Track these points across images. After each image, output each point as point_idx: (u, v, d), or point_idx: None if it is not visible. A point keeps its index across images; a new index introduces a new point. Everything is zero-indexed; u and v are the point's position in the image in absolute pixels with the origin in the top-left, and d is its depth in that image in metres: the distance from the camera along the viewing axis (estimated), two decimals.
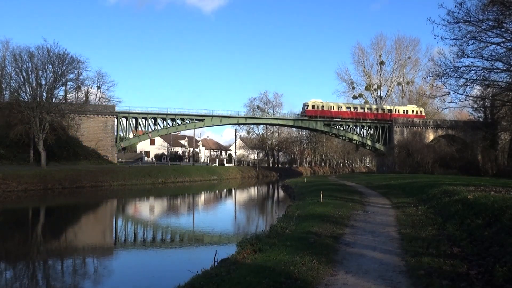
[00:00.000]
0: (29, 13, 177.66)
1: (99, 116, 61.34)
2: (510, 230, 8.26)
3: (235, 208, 32.63)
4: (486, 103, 42.84)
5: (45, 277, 12.25)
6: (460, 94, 23.86)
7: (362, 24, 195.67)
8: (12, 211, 27.53)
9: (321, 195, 20.12)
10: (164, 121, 66.43)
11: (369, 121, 74.34)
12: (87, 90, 67.68)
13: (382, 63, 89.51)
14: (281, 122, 75.90)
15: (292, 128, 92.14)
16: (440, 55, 24.39)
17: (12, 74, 49.55)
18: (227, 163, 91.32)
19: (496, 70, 22.10)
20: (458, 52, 21.21)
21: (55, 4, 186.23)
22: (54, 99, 46.71)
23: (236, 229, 21.49)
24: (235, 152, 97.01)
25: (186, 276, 8.63)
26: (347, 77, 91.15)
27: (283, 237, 10.98)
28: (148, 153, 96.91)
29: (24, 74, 44.86)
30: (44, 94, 45.28)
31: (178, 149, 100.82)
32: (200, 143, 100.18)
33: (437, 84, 32.12)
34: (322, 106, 72.49)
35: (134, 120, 65.59)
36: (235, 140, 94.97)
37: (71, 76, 52.12)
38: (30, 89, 45.20)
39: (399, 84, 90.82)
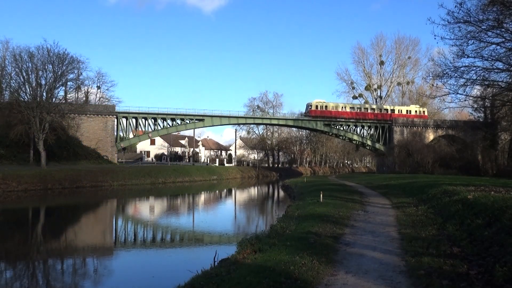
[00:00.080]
0: (29, 13, 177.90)
1: (99, 116, 61.35)
2: (510, 230, 8.26)
3: (235, 208, 32.63)
4: (486, 103, 42.85)
5: (45, 277, 12.25)
6: (460, 94, 23.91)
7: (362, 24, 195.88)
8: (12, 211, 27.53)
9: (321, 195, 20.13)
10: (164, 121, 66.45)
11: (369, 121, 74.39)
12: (87, 90, 67.75)
13: (382, 63, 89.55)
14: (281, 122, 75.92)
15: (292, 128, 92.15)
16: (440, 55, 24.47)
17: (12, 74, 49.58)
18: (227, 163, 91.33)
19: (496, 70, 22.13)
20: (458, 52, 21.26)
21: (55, 4, 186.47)
22: (54, 99, 46.71)
23: (236, 229, 21.49)
24: (235, 152, 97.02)
25: (186, 276, 8.63)
26: (347, 77, 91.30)
27: (283, 237, 10.98)
28: (148, 153, 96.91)
29: (24, 74, 44.86)
30: (44, 94, 45.28)
31: (178, 149, 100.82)
32: (200, 143, 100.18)
33: (437, 84, 32.17)
34: (326, 106, 72.62)
35: (134, 120, 65.61)
36: (235, 140, 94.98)
37: (71, 76, 52.18)
38: (30, 89, 45.21)
39: (399, 84, 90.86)
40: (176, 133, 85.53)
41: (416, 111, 76.56)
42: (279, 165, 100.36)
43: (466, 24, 19.88)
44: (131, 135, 68.16)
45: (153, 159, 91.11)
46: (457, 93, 23.76)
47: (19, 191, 34.37)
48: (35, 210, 28.23)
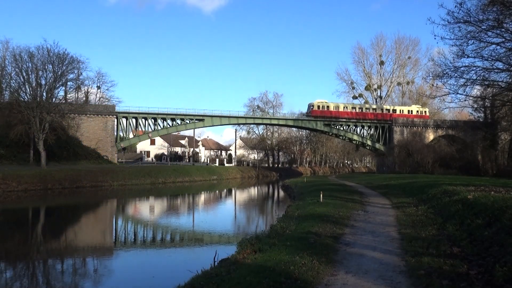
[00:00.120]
0: (29, 13, 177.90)
1: (99, 116, 61.35)
2: (510, 230, 8.26)
3: (235, 208, 32.63)
4: (486, 103, 42.85)
5: (45, 277, 12.25)
6: (460, 94, 23.91)
7: (362, 24, 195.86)
8: (12, 211, 27.53)
9: (321, 195, 20.12)
10: (164, 121, 66.45)
11: (369, 121, 74.43)
12: (87, 90, 67.75)
13: (382, 63, 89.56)
14: (281, 122, 75.93)
15: (292, 128, 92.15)
16: (440, 55, 24.47)
17: (12, 74, 49.60)
18: (227, 163, 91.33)
19: (496, 70, 22.13)
20: (458, 52, 21.27)
21: (55, 4, 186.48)
22: (54, 99, 46.71)
23: (236, 229, 21.49)
24: (235, 152, 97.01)
25: (186, 276, 8.63)
26: (347, 77, 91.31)
27: (283, 237, 10.97)
28: (148, 153, 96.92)
29: (24, 74, 44.86)
30: (44, 94, 45.28)
31: (178, 149, 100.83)
32: (200, 143, 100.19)
33: (437, 84, 32.16)
34: (327, 107, 72.72)
35: (134, 120, 65.61)
36: (235, 140, 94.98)
37: (71, 76, 52.18)
38: (30, 89, 45.21)
39: (399, 84, 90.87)
40: (176, 133, 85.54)
41: (417, 111, 76.63)
42: (279, 165, 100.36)
43: (466, 24, 19.89)
44: (131, 135, 68.16)
45: (153, 159, 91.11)
46: (457, 93, 23.78)
47: (19, 191, 34.37)
48: (35, 210, 28.23)
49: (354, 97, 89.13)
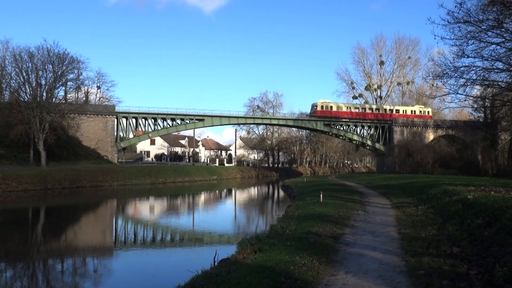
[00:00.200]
0: (29, 13, 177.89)
1: (99, 116, 61.35)
2: (510, 230, 8.26)
3: (235, 208, 32.64)
4: (486, 103, 42.80)
5: (45, 277, 12.25)
6: (460, 94, 23.87)
7: (362, 24, 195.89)
8: (12, 211, 27.53)
9: (321, 195, 20.12)
10: (164, 121, 66.45)
11: (369, 121, 74.45)
12: (87, 90, 67.81)
13: (382, 63, 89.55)
14: (281, 122, 75.93)
15: (292, 128, 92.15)
16: (440, 55, 24.45)
17: (12, 74, 49.59)
18: (227, 163, 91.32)
19: (496, 70, 22.10)
20: (458, 52, 21.24)
21: (55, 4, 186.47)
22: (54, 99, 46.71)
23: (236, 229, 21.49)
24: (235, 152, 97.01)
25: (186, 276, 8.63)
26: (347, 77, 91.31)
27: (283, 237, 10.98)
28: (148, 153, 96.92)
29: (24, 74, 44.86)
30: (44, 94, 45.28)
31: (178, 149, 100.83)
32: (200, 143, 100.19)
33: (437, 84, 32.12)
34: (331, 107, 72.84)
35: (134, 120, 65.61)
36: (235, 140, 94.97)
37: (71, 76, 52.19)
38: (30, 89, 45.21)
39: (399, 84, 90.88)
40: (176, 133, 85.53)
41: (420, 111, 76.67)
42: (279, 165, 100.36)
43: (466, 24, 19.87)
44: (131, 135, 68.16)
45: (153, 159, 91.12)
46: (457, 93, 23.74)
47: (19, 191, 34.37)
48: (35, 210, 28.23)
49: (354, 97, 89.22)
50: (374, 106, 78.70)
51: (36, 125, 42.94)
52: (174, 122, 66.73)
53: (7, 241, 17.64)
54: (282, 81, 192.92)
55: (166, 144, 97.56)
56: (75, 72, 52.24)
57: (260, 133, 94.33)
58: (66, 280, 11.76)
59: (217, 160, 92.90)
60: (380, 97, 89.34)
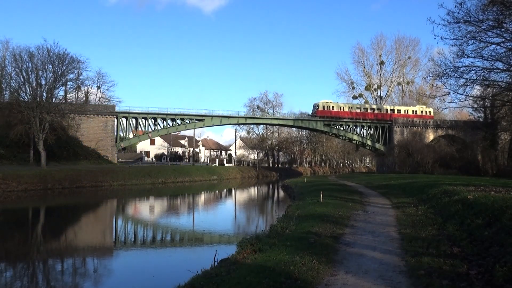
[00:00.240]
0: (29, 13, 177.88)
1: (99, 116, 61.36)
2: (510, 230, 8.26)
3: (235, 208, 32.64)
4: (486, 103, 42.79)
5: (45, 277, 12.25)
6: (460, 94, 23.86)
7: (362, 24, 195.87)
8: (12, 211, 27.53)
9: (321, 195, 20.12)
10: (164, 121, 66.46)
11: (369, 121, 74.47)
12: (87, 90, 67.83)
13: (382, 63, 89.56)
14: (281, 122, 75.95)
15: (292, 128, 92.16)
16: (440, 55, 24.44)
17: (12, 74, 49.61)
18: (227, 163, 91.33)
19: (496, 70, 22.10)
20: (458, 52, 21.24)
21: (55, 4, 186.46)
22: (54, 99, 46.71)
23: (236, 229, 21.49)
24: (235, 152, 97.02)
25: (186, 276, 8.63)
26: (347, 77, 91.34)
27: (283, 237, 10.98)
28: (148, 153, 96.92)
29: (24, 74, 44.86)
30: (44, 94, 45.28)
31: (178, 149, 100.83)
32: (200, 143, 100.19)
33: (437, 84, 32.10)
34: (332, 107, 72.95)
35: (134, 120, 65.61)
36: (235, 140, 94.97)
37: (71, 76, 52.18)
38: (30, 89, 45.20)
39: (399, 84, 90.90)
40: (176, 133, 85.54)
41: (422, 112, 76.71)
42: (279, 165, 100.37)
43: (466, 24, 19.87)
44: (131, 135, 68.17)
45: (153, 159, 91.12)
46: (457, 93, 23.73)
47: (19, 191, 34.37)
48: (35, 210, 28.23)
49: (354, 97, 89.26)
50: (375, 106, 78.74)
51: (36, 125, 42.94)
52: (174, 122, 66.73)
53: (7, 241, 17.64)
54: (282, 81, 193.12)
55: (166, 144, 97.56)
56: (75, 72, 52.33)
57: (260, 133, 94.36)
58: (66, 280, 11.76)
59: (217, 160, 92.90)
60: (380, 97, 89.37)
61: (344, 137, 77.56)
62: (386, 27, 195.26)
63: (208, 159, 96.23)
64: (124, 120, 64.36)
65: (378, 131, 74.84)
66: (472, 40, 20.63)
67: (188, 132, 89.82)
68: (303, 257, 8.20)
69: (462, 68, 21.78)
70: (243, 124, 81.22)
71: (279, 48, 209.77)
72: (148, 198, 37.68)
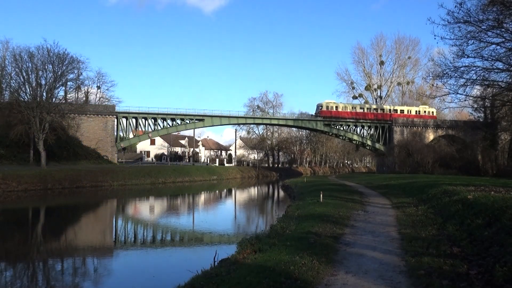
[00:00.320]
0: (29, 13, 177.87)
1: (99, 116, 61.36)
2: (510, 230, 8.26)
3: (235, 208, 32.64)
4: (486, 103, 42.78)
5: (45, 277, 12.25)
6: (460, 94, 23.84)
7: (362, 24, 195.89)
8: (12, 211, 27.53)
9: (321, 195, 20.12)
10: (164, 121, 66.46)
11: (369, 121, 74.51)
12: (87, 90, 67.83)
13: (382, 63, 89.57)
14: (281, 122, 75.96)
15: (292, 128, 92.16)
16: (440, 55, 24.44)
17: (12, 74, 49.62)
18: (227, 163, 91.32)
19: (496, 70, 22.09)
20: (458, 52, 21.22)
21: (55, 4, 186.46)
22: (54, 99, 46.72)
23: (236, 229, 21.49)
24: (235, 152, 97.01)
25: (186, 276, 8.64)
26: (347, 77, 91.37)
27: (283, 237, 10.97)
28: (148, 153, 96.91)
29: (24, 74, 44.87)
30: (44, 94, 45.29)
31: (178, 149, 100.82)
32: (200, 143, 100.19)
33: (437, 84, 32.08)
34: (336, 107, 73.09)
35: (134, 120, 65.62)
36: (235, 140, 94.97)
37: (71, 76, 52.20)
38: (30, 89, 45.22)
39: (399, 84, 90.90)
40: (176, 133, 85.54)
41: (425, 112, 76.74)
42: (279, 165, 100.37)
43: (466, 24, 19.86)
44: (131, 135, 68.18)
45: (153, 159, 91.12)
46: (457, 93, 23.71)
47: (19, 191, 34.37)
48: (35, 210, 28.23)
49: (354, 97, 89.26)
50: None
51: (36, 125, 42.94)
52: (174, 122, 66.73)
53: (7, 241, 17.63)
54: (282, 81, 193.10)
55: (166, 144, 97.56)
56: (75, 72, 52.33)
57: (260, 133, 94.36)
58: (66, 280, 11.75)
59: (217, 160, 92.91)
60: (380, 97, 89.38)
61: (344, 137, 77.59)
62: (386, 27, 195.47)
63: (208, 159, 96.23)
64: (124, 120, 64.36)
65: (378, 131, 74.87)
66: (472, 40, 20.63)
67: (188, 132, 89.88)
68: (303, 257, 8.19)
69: (462, 68, 21.78)
70: (243, 124, 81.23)
71: (279, 48, 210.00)
72: (148, 198, 37.68)
